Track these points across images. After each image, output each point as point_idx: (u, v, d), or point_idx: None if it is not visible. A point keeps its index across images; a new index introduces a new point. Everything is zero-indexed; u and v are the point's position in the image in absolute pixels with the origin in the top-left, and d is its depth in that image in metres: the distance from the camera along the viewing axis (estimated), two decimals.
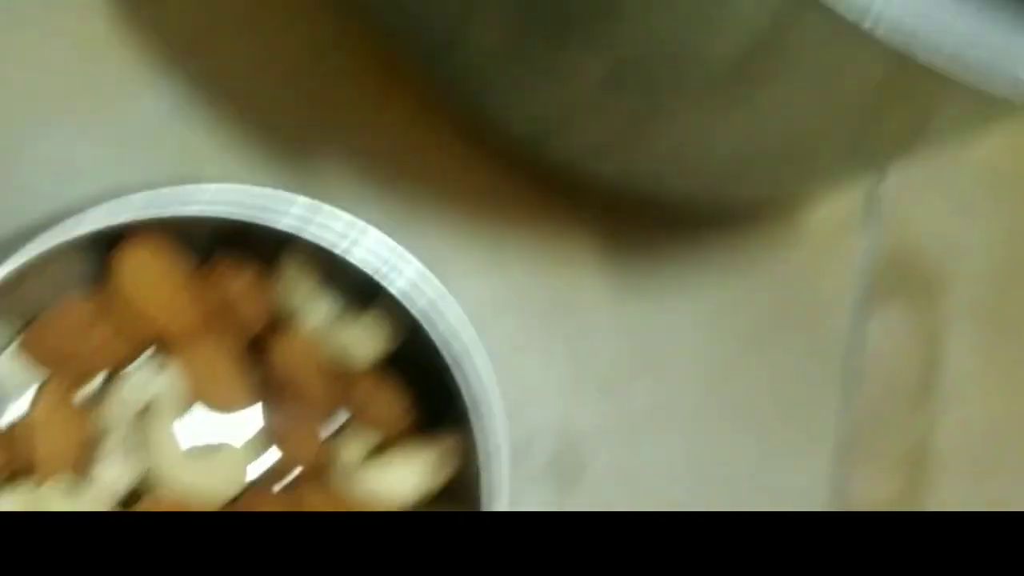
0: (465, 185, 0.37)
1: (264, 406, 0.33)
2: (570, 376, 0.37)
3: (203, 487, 0.30)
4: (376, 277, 0.30)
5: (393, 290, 0.30)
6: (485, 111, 0.33)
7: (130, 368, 0.31)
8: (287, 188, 0.30)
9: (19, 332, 0.30)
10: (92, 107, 0.34)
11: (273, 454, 0.32)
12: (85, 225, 0.28)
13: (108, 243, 0.30)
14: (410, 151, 0.36)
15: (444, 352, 0.30)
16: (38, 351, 0.30)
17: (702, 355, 0.38)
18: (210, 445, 0.32)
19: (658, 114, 0.27)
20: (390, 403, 0.32)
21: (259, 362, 0.32)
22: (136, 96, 0.34)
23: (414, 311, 0.30)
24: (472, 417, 0.30)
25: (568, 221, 0.37)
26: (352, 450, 0.32)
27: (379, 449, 0.32)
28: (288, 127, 0.35)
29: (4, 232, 0.30)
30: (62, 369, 0.30)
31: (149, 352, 0.32)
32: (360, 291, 0.32)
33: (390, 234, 0.30)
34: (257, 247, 0.32)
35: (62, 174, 0.33)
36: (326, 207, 0.30)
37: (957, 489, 0.39)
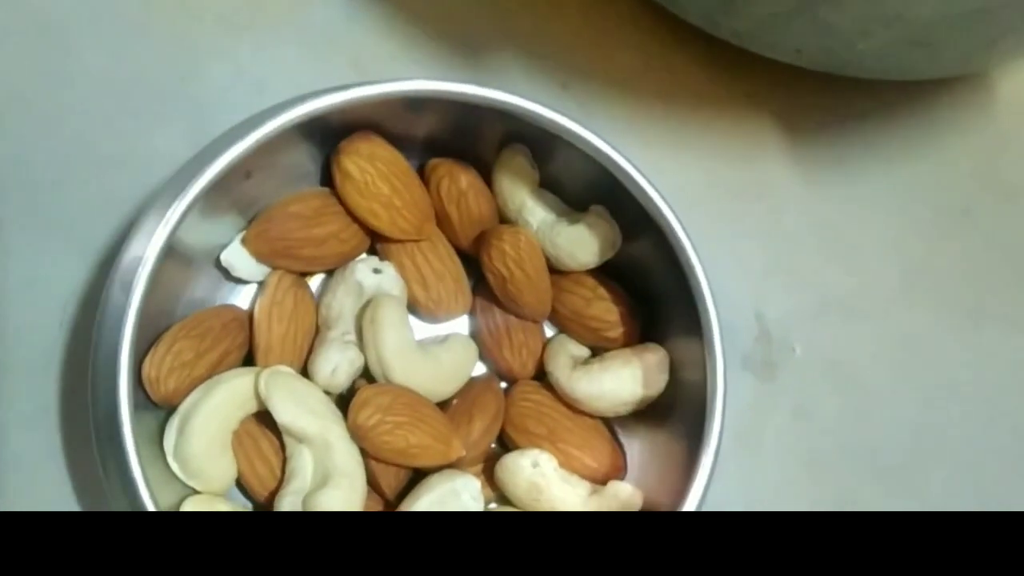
0: (647, 79, 0.36)
1: (478, 313, 0.33)
2: (762, 265, 0.36)
3: (428, 379, 0.30)
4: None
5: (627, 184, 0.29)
6: None
7: (351, 264, 0.31)
8: None
9: (248, 225, 0.31)
10: (271, 21, 0.34)
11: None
12: (307, 108, 0.28)
13: (329, 143, 0.30)
14: (588, 46, 0.35)
15: (681, 258, 0.29)
16: (262, 245, 0.30)
17: (898, 236, 0.37)
18: (436, 336, 0.32)
19: None
20: (607, 309, 0.32)
21: (473, 268, 0.32)
22: (309, 6, 0.34)
23: (647, 205, 0.29)
24: (703, 328, 0.29)
25: (751, 109, 0.36)
26: (565, 358, 0.32)
27: (593, 357, 0.32)
28: (462, 27, 0.35)
29: (200, 140, 0.30)
30: (285, 263, 0.31)
31: (367, 252, 0.32)
32: (578, 196, 0.32)
33: None
34: (469, 155, 0.32)
35: (247, 87, 0.33)
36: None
37: None
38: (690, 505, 0.28)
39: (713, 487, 0.29)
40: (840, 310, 0.36)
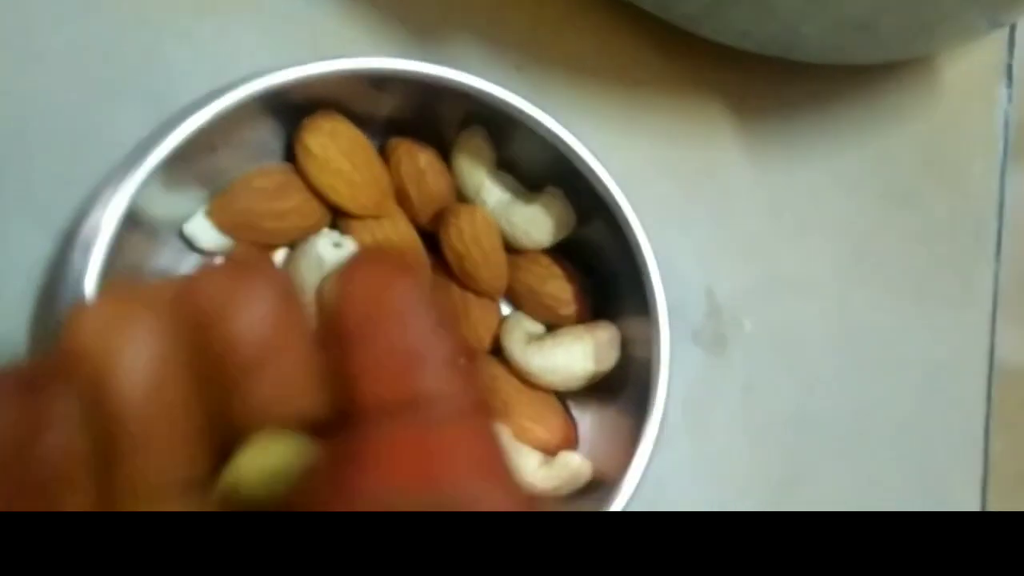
0: (600, 61, 0.37)
1: (435, 289, 0.33)
2: (713, 243, 0.37)
3: None
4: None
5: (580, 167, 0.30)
6: None
7: (313, 238, 0.32)
8: None
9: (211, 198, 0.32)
10: (231, 3, 0.34)
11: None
12: (269, 81, 0.29)
13: (293, 120, 0.31)
14: (542, 29, 0.36)
15: (631, 239, 0.30)
16: (225, 217, 0.31)
17: (845, 216, 0.39)
18: None
19: None
20: (561, 287, 0.32)
21: (431, 245, 0.33)
22: None
23: (599, 188, 0.30)
24: (650, 307, 0.30)
25: (701, 92, 0.37)
26: (520, 334, 0.33)
27: (547, 333, 0.33)
28: (419, 10, 0.35)
29: (161, 119, 0.30)
30: (247, 235, 0.32)
31: (328, 227, 0.33)
32: (534, 177, 0.33)
33: None
34: (429, 135, 0.32)
35: (208, 68, 0.34)
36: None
37: None
38: (634, 474, 0.29)
39: (664, 458, 0.30)
40: (789, 287, 0.37)
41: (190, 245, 0.31)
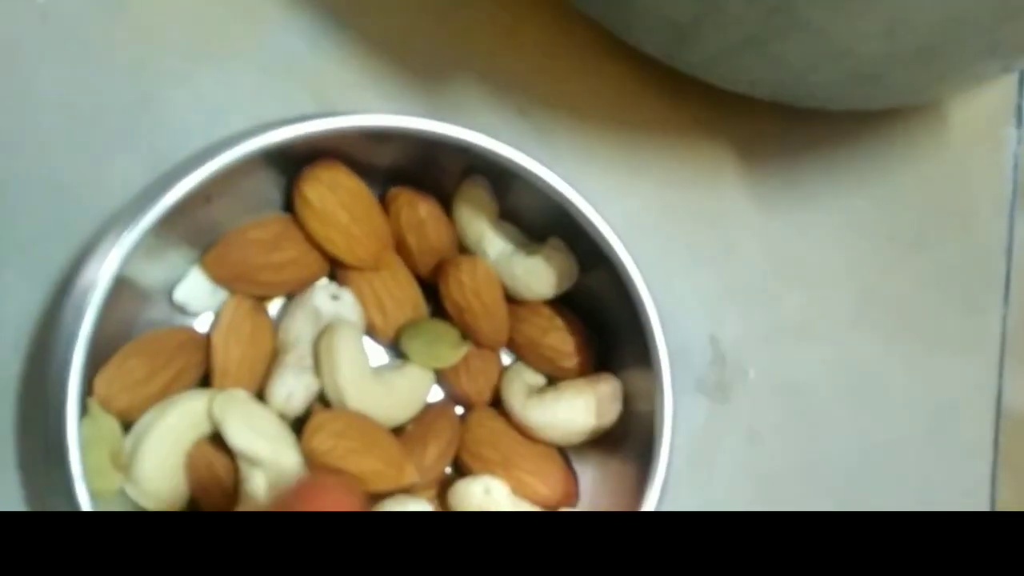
0: (603, 105, 0.36)
1: None
2: (717, 290, 0.37)
3: (383, 405, 0.30)
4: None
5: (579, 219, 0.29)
6: (620, 21, 0.32)
7: (310, 290, 0.31)
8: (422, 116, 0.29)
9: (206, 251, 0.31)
10: (230, 48, 0.34)
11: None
12: (268, 139, 0.28)
13: (292, 170, 0.31)
14: (545, 73, 0.36)
15: (632, 292, 0.29)
16: (221, 269, 0.30)
17: (852, 262, 0.38)
18: (392, 364, 0.32)
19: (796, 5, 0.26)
20: (563, 339, 0.32)
21: (431, 296, 0.32)
22: (270, 34, 0.34)
23: (600, 241, 0.29)
24: (652, 362, 0.29)
25: (706, 137, 0.37)
26: (520, 386, 0.32)
27: (548, 385, 0.33)
28: (420, 54, 0.35)
29: (158, 167, 0.30)
30: (243, 287, 0.31)
31: (326, 278, 0.32)
32: (536, 227, 0.32)
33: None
34: (430, 185, 0.32)
35: (206, 114, 0.33)
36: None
37: None
38: None
39: (666, 507, 0.29)
40: (794, 334, 0.37)
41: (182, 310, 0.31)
